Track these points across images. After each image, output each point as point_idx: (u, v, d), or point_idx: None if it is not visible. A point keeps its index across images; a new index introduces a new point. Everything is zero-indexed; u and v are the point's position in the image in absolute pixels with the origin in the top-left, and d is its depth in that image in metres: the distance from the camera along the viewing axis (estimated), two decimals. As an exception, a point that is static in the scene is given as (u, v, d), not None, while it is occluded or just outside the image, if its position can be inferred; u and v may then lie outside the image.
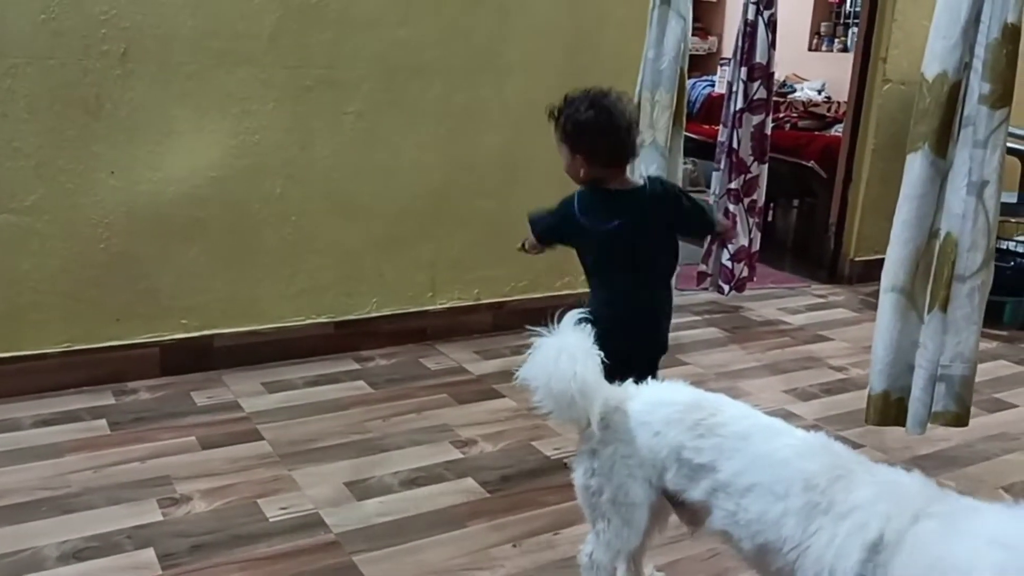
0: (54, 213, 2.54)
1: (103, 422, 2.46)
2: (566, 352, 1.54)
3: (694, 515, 1.53)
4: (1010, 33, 2.09)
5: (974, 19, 2.10)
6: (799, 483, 1.32)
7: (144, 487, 2.13)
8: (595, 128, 2.00)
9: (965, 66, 2.15)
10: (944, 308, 2.22)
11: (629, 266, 2.09)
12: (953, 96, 2.15)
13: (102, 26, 2.47)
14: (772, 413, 2.65)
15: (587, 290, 2.20)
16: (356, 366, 2.96)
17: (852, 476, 1.31)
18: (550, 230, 2.18)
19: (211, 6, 2.60)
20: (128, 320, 2.69)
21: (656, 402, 1.55)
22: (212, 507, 2.06)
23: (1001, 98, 2.12)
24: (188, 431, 2.43)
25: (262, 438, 2.41)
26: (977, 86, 2.12)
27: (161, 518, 2.01)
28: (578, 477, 1.63)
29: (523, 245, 2.28)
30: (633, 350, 1.98)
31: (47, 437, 2.36)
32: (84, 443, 2.34)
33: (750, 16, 3.62)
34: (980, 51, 2.11)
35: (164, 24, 2.55)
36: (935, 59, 2.16)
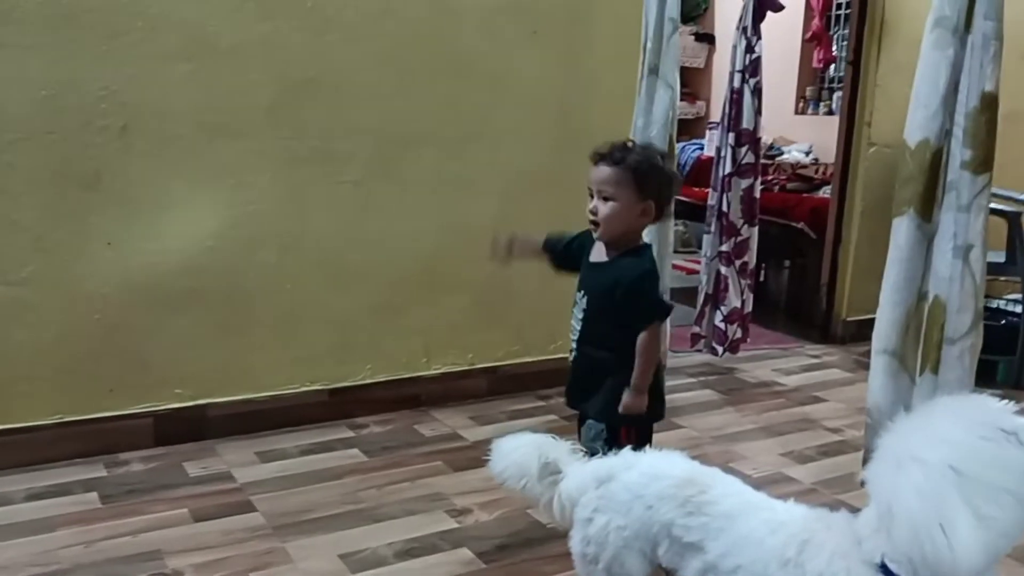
0: (49, 285, 2.55)
1: (95, 495, 2.43)
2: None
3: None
4: (988, 101, 2.15)
5: (952, 89, 2.17)
6: (774, 561, 1.34)
7: (136, 562, 2.10)
8: (671, 178, 2.02)
9: (946, 133, 2.21)
10: (935, 370, 2.24)
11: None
12: (936, 162, 2.21)
13: (101, 101, 2.52)
14: (769, 477, 2.69)
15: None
16: (350, 433, 2.94)
17: (814, 537, 1.35)
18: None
19: (208, 81, 2.65)
20: (121, 391, 2.69)
21: (652, 475, 1.55)
22: (204, 582, 2.03)
23: (983, 163, 2.18)
24: (181, 503, 2.40)
25: (255, 509, 2.39)
26: (959, 152, 2.18)
27: (152, 595, 1.98)
28: (575, 545, 1.63)
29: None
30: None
31: (38, 511, 2.33)
32: (75, 517, 2.31)
33: (736, 84, 3.71)
34: (960, 119, 2.18)
35: (162, 99, 2.60)
36: (917, 127, 2.23)
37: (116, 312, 2.64)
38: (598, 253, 2.09)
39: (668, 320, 3.51)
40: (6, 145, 2.44)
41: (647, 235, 2.90)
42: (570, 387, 2.19)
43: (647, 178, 1.96)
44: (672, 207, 2.13)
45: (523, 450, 1.74)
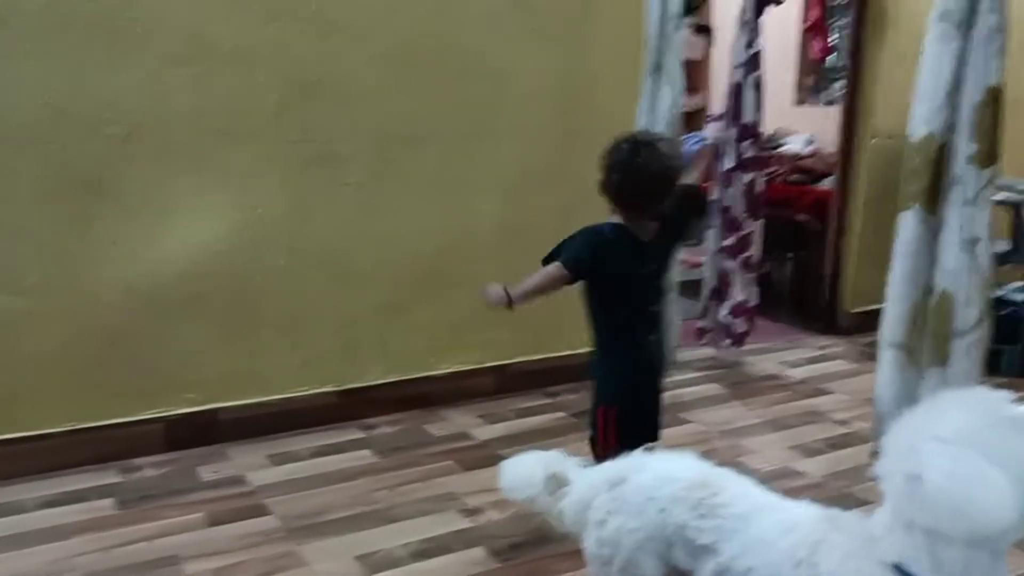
0: (57, 293, 2.56)
1: (109, 501, 2.45)
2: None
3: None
4: (993, 95, 2.16)
5: (957, 83, 2.17)
6: (787, 562, 1.35)
7: (152, 568, 2.11)
8: (623, 167, 2.02)
9: (951, 127, 2.21)
10: (943, 364, 2.25)
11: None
12: (940, 156, 2.22)
13: (105, 108, 2.52)
14: (777, 471, 2.71)
15: (586, 350, 2.22)
16: (361, 434, 2.96)
17: (827, 538, 1.36)
18: (583, 260, 2.07)
19: (211, 85, 2.66)
20: (132, 397, 2.70)
21: (665, 477, 1.56)
22: (221, 587, 2.04)
23: (988, 157, 2.19)
24: (195, 508, 2.42)
25: (269, 512, 2.40)
26: (964, 146, 2.19)
27: (170, 600, 1.99)
28: (589, 546, 1.64)
29: (507, 301, 2.11)
30: (649, 392, 2.19)
31: (53, 519, 2.35)
32: (90, 524, 2.32)
33: (736, 78, 3.71)
34: (965, 113, 2.18)
35: (166, 104, 2.60)
36: (921, 121, 2.23)
37: (124, 318, 2.65)
38: None
39: (675, 312, 3.53)
40: (10, 152, 2.44)
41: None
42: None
43: (604, 171, 2.05)
44: (653, 203, 2.08)
45: (529, 464, 1.77)
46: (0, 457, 2.53)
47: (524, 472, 1.77)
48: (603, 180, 2.06)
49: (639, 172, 2.00)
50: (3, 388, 2.54)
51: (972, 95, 2.14)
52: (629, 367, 2.16)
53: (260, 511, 2.41)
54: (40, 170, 2.49)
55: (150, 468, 2.66)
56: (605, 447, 2.05)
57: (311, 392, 2.98)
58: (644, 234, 2.10)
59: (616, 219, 2.10)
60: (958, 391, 1.35)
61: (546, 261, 2.12)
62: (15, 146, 2.44)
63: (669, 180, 2.03)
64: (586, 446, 2.20)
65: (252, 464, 2.70)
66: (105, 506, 2.43)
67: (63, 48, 2.46)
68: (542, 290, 2.10)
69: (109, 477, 2.59)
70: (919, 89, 2.26)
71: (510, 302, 2.07)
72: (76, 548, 2.20)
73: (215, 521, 2.35)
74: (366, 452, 2.81)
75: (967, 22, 2.16)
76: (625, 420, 2.12)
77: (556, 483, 1.73)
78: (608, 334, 2.16)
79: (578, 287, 2.14)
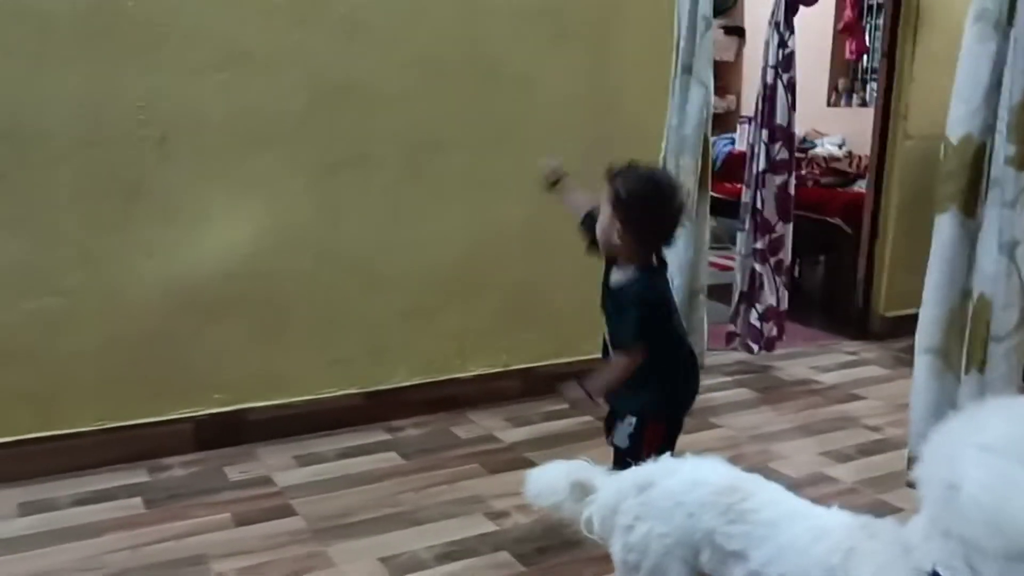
0: (92, 294, 2.59)
1: (139, 500, 2.47)
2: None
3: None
4: (1033, 95, 2.11)
5: (995, 84, 2.12)
6: (818, 569, 1.33)
7: (180, 567, 2.13)
8: (652, 215, 1.97)
9: (989, 128, 2.16)
10: (981, 369, 2.20)
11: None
12: (979, 158, 2.17)
13: (140, 112, 2.55)
14: (808, 477, 2.67)
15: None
16: (387, 436, 2.96)
17: (859, 545, 1.32)
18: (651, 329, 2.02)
19: (243, 91, 2.68)
20: (162, 397, 2.72)
21: (693, 482, 1.54)
22: (248, 587, 2.05)
23: (1027, 159, 2.14)
24: (222, 508, 2.43)
25: (296, 513, 2.41)
26: (1003, 148, 2.14)
27: (198, 599, 2.01)
28: (616, 552, 1.62)
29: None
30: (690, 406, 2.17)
31: (84, 516, 2.37)
32: (121, 522, 2.34)
33: (769, 79, 3.67)
34: (1003, 114, 2.13)
35: (199, 109, 2.63)
36: (959, 122, 2.19)
37: (157, 320, 2.68)
38: (613, 275, 2.09)
39: (704, 318, 3.50)
40: (49, 157, 2.48)
41: (682, 234, 2.88)
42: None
43: (621, 202, 1.97)
44: (676, 236, 2.04)
45: (554, 472, 1.76)
46: (36, 454, 2.57)
47: (549, 480, 1.76)
48: (639, 222, 1.97)
49: (674, 207, 1.97)
50: (41, 387, 2.57)
51: (1011, 96, 2.09)
52: (683, 383, 2.13)
53: (287, 512, 2.42)
54: (79, 174, 2.52)
55: (179, 467, 2.68)
56: (647, 458, 2.01)
57: (338, 394, 2.99)
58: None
59: (633, 263, 2.04)
60: (1002, 399, 1.32)
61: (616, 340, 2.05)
62: (55, 151, 2.48)
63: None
64: (612, 453, 2.18)
65: (279, 465, 2.71)
66: (135, 504, 2.45)
67: (102, 55, 2.49)
68: (624, 379, 2.03)
69: (139, 476, 2.62)
70: (957, 90, 2.22)
71: (591, 397, 2.01)
72: (107, 546, 2.22)
73: (242, 521, 2.36)
74: (392, 454, 2.82)
75: (1005, 22, 2.11)
76: (669, 436, 2.09)
77: (582, 491, 1.71)
78: (662, 352, 2.05)
79: None
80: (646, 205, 1.97)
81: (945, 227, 2.20)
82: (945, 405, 2.27)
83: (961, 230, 2.19)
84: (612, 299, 2.09)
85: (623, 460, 2.08)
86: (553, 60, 3.15)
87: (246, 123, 2.70)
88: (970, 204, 2.19)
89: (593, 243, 2.14)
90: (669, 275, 2.14)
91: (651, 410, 2.08)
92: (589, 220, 2.15)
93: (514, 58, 3.08)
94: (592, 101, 3.24)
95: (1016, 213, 2.13)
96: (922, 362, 2.28)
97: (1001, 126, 2.12)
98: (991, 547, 1.14)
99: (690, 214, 3.05)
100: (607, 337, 2.13)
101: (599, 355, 3.16)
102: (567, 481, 1.73)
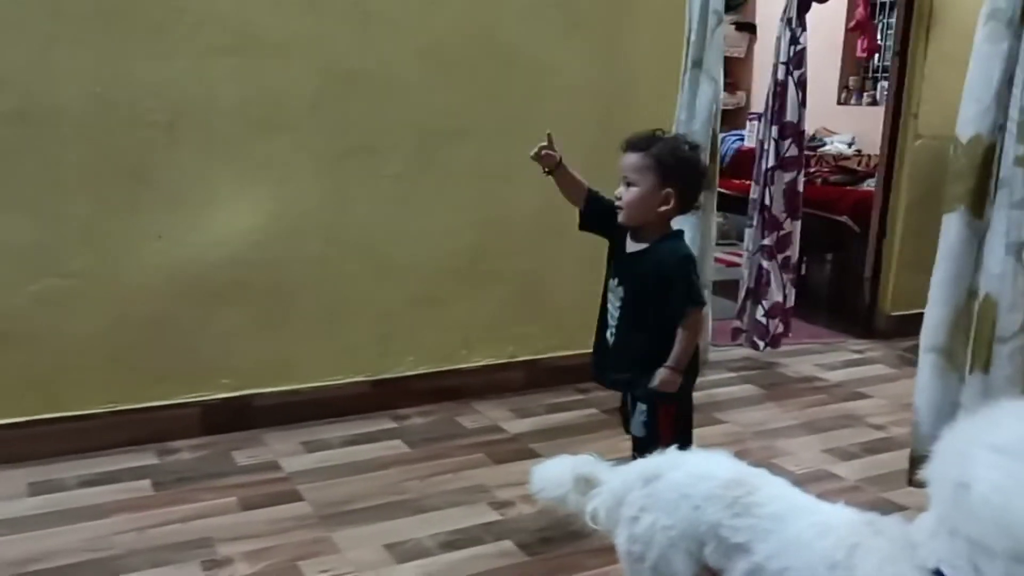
0: (100, 277, 2.61)
1: (146, 482, 2.49)
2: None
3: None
4: (1044, 95, 2.11)
5: (1007, 83, 2.12)
6: (823, 564, 1.33)
7: (187, 549, 2.15)
8: (696, 168, 2.03)
9: (999, 128, 2.16)
10: (986, 369, 2.21)
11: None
12: (988, 158, 2.17)
13: (149, 96, 2.56)
14: (812, 474, 2.68)
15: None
16: (393, 424, 2.98)
17: (864, 541, 1.33)
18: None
19: (253, 76, 2.69)
20: (170, 381, 2.75)
21: (699, 475, 1.55)
22: (254, 570, 2.07)
23: (1037, 159, 2.14)
24: (229, 492, 2.45)
25: (302, 499, 2.43)
26: (1012, 148, 2.14)
27: (204, 581, 2.02)
28: (621, 543, 1.63)
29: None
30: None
31: (92, 498, 2.39)
32: (128, 504, 2.37)
33: (780, 76, 3.67)
34: (1014, 113, 2.13)
35: (209, 93, 2.64)
36: (969, 122, 2.19)
37: (165, 303, 2.70)
38: (632, 244, 2.12)
39: (709, 314, 3.51)
40: (58, 139, 2.49)
41: (688, 228, 2.89)
42: (603, 367, 2.24)
43: (669, 167, 2.00)
44: (702, 199, 2.13)
45: (559, 466, 1.78)
46: (43, 436, 2.59)
47: (554, 474, 1.77)
48: (678, 185, 2.02)
49: (704, 171, 2.06)
50: (47, 368, 2.59)
51: (1022, 96, 2.09)
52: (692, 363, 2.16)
53: (293, 497, 2.44)
54: (86, 157, 2.54)
55: (187, 451, 2.71)
56: (666, 442, 2.02)
57: (345, 381, 3.01)
58: None
59: (672, 225, 2.10)
60: (1015, 400, 1.32)
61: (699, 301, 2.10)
62: (63, 133, 2.49)
63: None
64: (617, 445, 2.19)
65: (286, 451, 2.73)
66: (143, 487, 2.47)
67: (112, 38, 2.50)
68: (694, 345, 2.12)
69: (147, 459, 2.64)
70: (967, 89, 2.21)
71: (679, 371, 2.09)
72: (114, 527, 2.25)
73: (248, 505, 2.38)
74: (398, 442, 2.83)
75: (1018, 21, 2.11)
76: (682, 415, 2.15)
77: (587, 485, 1.73)
78: (669, 336, 2.10)
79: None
80: (690, 165, 2.03)
81: (953, 227, 2.21)
82: (948, 405, 2.27)
83: (968, 230, 2.20)
84: (631, 264, 2.11)
85: (643, 450, 2.08)
86: (565, 50, 3.16)
87: (256, 108, 2.71)
88: (978, 204, 2.19)
89: (587, 216, 2.19)
90: None
91: (659, 392, 2.11)
92: (594, 200, 2.20)
93: (526, 47, 3.09)
94: (604, 92, 3.25)
95: (1024, 214, 2.13)
96: (926, 361, 2.28)
97: (1011, 126, 2.12)
98: (998, 547, 1.15)
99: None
100: (620, 302, 2.12)
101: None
102: (572, 475, 1.74)
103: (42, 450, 2.58)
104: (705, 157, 3.02)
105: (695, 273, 2.09)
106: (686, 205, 2.07)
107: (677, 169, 2.01)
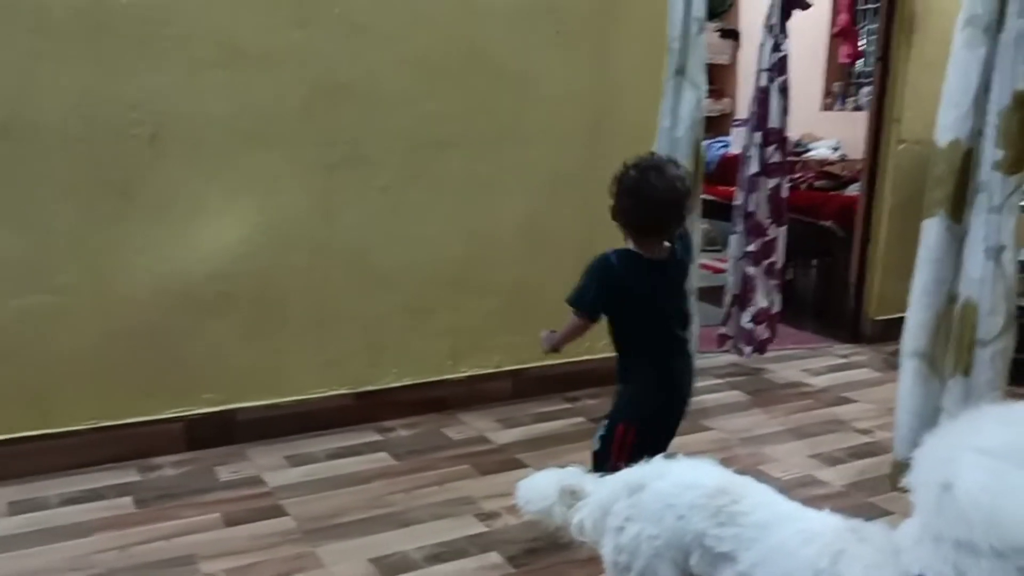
0: (85, 292, 2.59)
1: (129, 500, 2.47)
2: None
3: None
4: (1020, 101, 2.12)
5: (984, 88, 2.14)
6: (807, 572, 1.33)
7: (169, 567, 2.13)
8: (636, 205, 2.03)
9: (977, 133, 2.18)
10: (967, 373, 2.22)
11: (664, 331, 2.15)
12: (967, 163, 2.18)
13: (133, 110, 2.55)
14: (798, 479, 2.67)
15: (606, 355, 2.22)
16: (378, 437, 2.96)
17: (849, 548, 1.33)
18: (599, 300, 2.11)
19: (241, 88, 2.68)
20: (154, 396, 2.73)
21: (684, 484, 1.54)
22: (237, 587, 2.05)
23: (1015, 164, 2.15)
24: (212, 508, 2.43)
25: (286, 514, 2.41)
26: (991, 153, 2.15)
27: (186, 599, 2.01)
28: (607, 553, 1.63)
29: (553, 347, 2.23)
30: (671, 415, 2.17)
31: (74, 516, 2.37)
32: (110, 522, 2.34)
33: (762, 83, 3.68)
34: (992, 119, 2.14)
35: (195, 106, 2.63)
36: (947, 128, 2.20)
37: (150, 318, 2.68)
38: None
39: (696, 321, 3.51)
40: (41, 153, 2.48)
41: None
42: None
43: (614, 194, 2.07)
44: (650, 231, 2.09)
45: (544, 480, 1.78)
46: (27, 453, 2.57)
47: (540, 486, 1.77)
48: (614, 206, 2.07)
49: (649, 196, 2.01)
50: (32, 385, 2.57)
51: (999, 100, 2.10)
52: (653, 390, 2.14)
53: (277, 512, 2.42)
54: (71, 171, 2.52)
55: (169, 467, 2.68)
56: (616, 462, 2.02)
57: (328, 394, 2.99)
58: (660, 256, 2.10)
59: (629, 245, 2.10)
60: (998, 404, 1.32)
61: (570, 301, 2.14)
62: (47, 147, 2.48)
63: (679, 203, 2.04)
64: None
65: (270, 465, 2.71)
66: (125, 504, 2.45)
67: (96, 52, 2.49)
68: (573, 338, 2.21)
69: (129, 475, 2.62)
70: (946, 95, 2.23)
71: (554, 349, 2.22)
72: (96, 545, 2.23)
73: (232, 521, 2.36)
74: (383, 455, 2.82)
75: (995, 27, 2.12)
76: (641, 441, 2.08)
77: (572, 497, 1.72)
78: (631, 358, 2.16)
79: None
80: (624, 191, 2.04)
81: (932, 231, 2.22)
82: (931, 410, 2.28)
83: (948, 235, 2.21)
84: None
85: (596, 464, 2.11)
86: (552, 60, 3.16)
87: (244, 121, 2.70)
88: (958, 209, 2.20)
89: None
90: None
91: (621, 408, 2.16)
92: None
93: (513, 58, 3.09)
94: (590, 101, 3.25)
95: (1003, 218, 2.14)
96: (908, 366, 2.29)
97: (989, 131, 2.13)
98: (984, 544, 1.14)
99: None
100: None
101: (591, 356, 3.18)
102: (557, 488, 1.74)
103: (23, 468, 2.56)
104: (688, 164, 3.03)
105: (588, 276, 2.11)
106: (637, 229, 2.07)
107: (617, 200, 2.06)
